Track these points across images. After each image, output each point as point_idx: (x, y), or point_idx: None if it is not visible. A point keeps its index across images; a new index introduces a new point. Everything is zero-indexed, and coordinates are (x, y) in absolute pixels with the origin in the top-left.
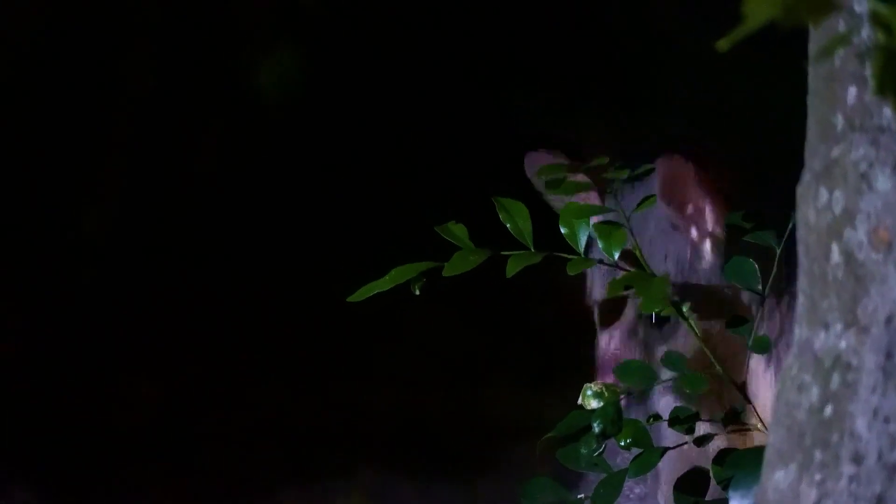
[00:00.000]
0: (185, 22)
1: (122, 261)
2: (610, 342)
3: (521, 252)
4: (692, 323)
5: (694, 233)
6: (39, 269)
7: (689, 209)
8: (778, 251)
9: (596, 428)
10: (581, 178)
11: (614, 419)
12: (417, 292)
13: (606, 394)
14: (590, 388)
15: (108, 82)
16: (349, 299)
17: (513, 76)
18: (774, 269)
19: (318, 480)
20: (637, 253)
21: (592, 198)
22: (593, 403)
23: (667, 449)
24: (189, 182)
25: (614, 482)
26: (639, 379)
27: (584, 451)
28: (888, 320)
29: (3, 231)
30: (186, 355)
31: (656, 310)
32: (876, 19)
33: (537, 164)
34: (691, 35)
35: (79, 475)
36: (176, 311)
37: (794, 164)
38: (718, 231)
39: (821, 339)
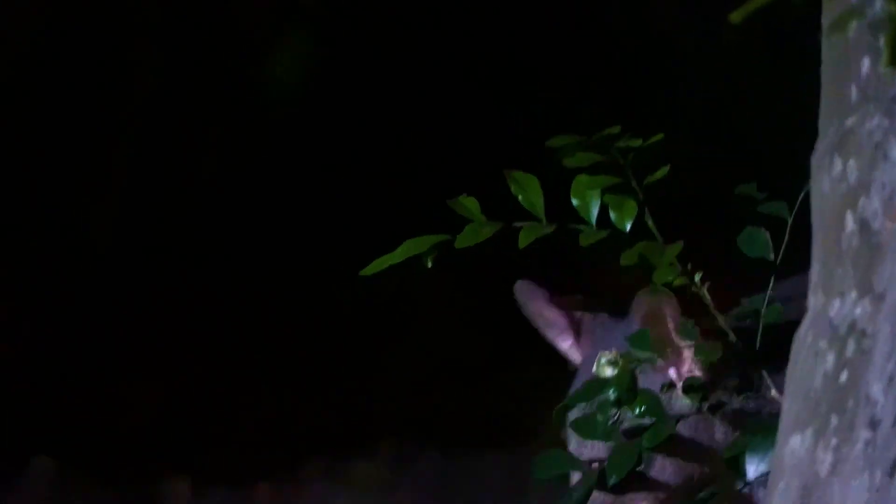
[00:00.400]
0: (187, 21)
1: (139, 228)
2: None
3: (533, 223)
4: (704, 293)
5: (672, 373)
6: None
7: (669, 351)
8: (789, 222)
9: (611, 396)
10: (554, 314)
11: (629, 387)
12: (429, 265)
13: (621, 362)
14: (604, 357)
15: (106, 83)
16: (362, 272)
17: (520, 67)
18: (786, 238)
19: (339, 453)
20: (649, 223)
21: (568, 340)
22: (608, 372)
23: (680, 418)
24: (193, 166)
25: (629, 451)
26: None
27: (599, 418)
28: None
29: (12, 230)
30: (210, 329)
31: (668, 280)
32: None
33: (526, 294)
34: (691, 35)
35: (99, 445)
36: (197, 286)
37: (795, 164)
38: (695, 370)
39: (835, 307)
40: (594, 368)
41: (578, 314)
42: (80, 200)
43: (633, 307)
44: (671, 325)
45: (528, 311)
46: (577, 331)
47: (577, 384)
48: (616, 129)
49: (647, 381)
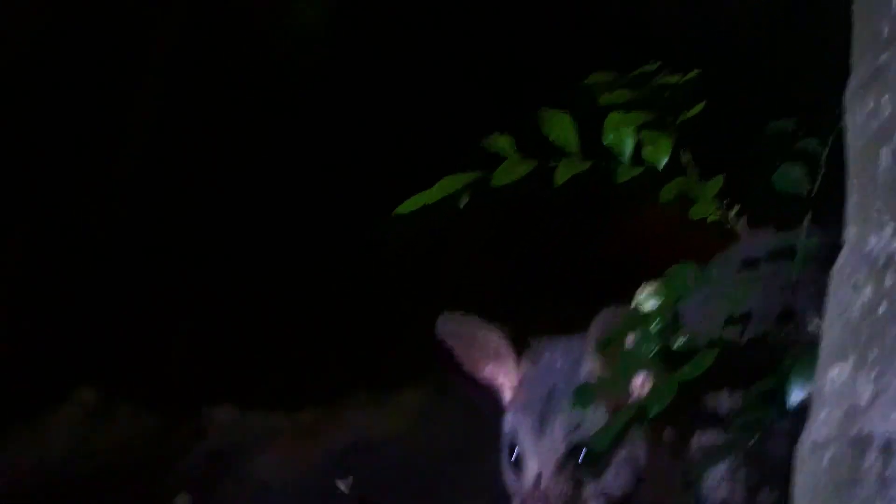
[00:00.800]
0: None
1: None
2: (537, 478)
3: (569, 160)
4: (740, 227)
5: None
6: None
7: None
8: (823, 158)
9: (653, 328)
10: (492, 338)
11: (673, 320)
12: (464, 204)
13: (663, 294)
14: (646, 289)
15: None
16: (397, 211)
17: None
18: (820, 174)
19: (381, 382)
20: (685, 159)
21: (510, 363)
22: (650, 304)
23: (719, 349)
24: (229, 93)
25: (670, 385)
26: (686, 284)
27: (643, 350)
28: None
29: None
30: (255, 258)
31: (707, 215)
32: None
33: (456, 323)
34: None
35: (143, 375)
36: (241, 216)
37: (828, 101)
38: (647, 382)
39: (872, 241)
40: (634, 301)
41: (516, 338)
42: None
43: (594, 325)
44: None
45: (456, 338)
46: (516, 353)
47: (521, 398)
48: (653, 66)
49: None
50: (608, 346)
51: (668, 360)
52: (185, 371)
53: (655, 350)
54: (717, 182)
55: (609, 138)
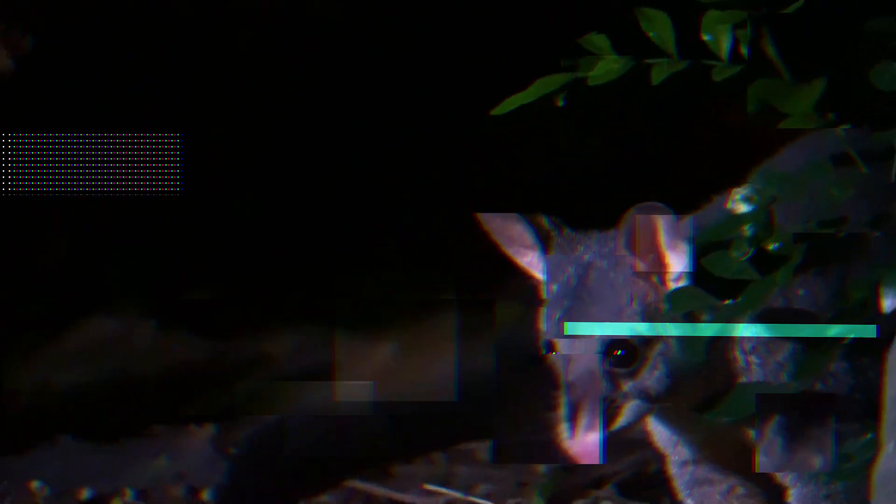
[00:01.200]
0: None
1: None
2: (574, 375)
3: (666, 59)
4: (842, 130)
5: (656, 279)
6: None
7: (652, 258)
8: None
9: (747, 232)
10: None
11: (766, 224)
12: (561, 104)
13: (757, 198)
14: (740, 193)
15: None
16: (493, 112)
17: None
18: None
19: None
20: (771, 53)
21: (529, 256)
22: (743, 208)
23: (805, 244)
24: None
25: (762, 288)
26: (778, 188)
27: (735, 253)
28: None
29: None
30: (339, 181)
31: (801, 125)
32: None
33: (492, 223)
34: None
35: (201, 303)
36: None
37: None
38: (683, 279)
39: None
40: (728, 204)
41: (547, 230)
42: None
43: (623, 221)
44: (661, 235)
45: (492, 227)
46: (546, 245)
47: (555, 295)
48: None
49: (634, 286)
50: (702, 254)
51: (760, 262)
52: (244, 299)
53: (750, 254)
54: (815, 87)
55: (707, 36)
